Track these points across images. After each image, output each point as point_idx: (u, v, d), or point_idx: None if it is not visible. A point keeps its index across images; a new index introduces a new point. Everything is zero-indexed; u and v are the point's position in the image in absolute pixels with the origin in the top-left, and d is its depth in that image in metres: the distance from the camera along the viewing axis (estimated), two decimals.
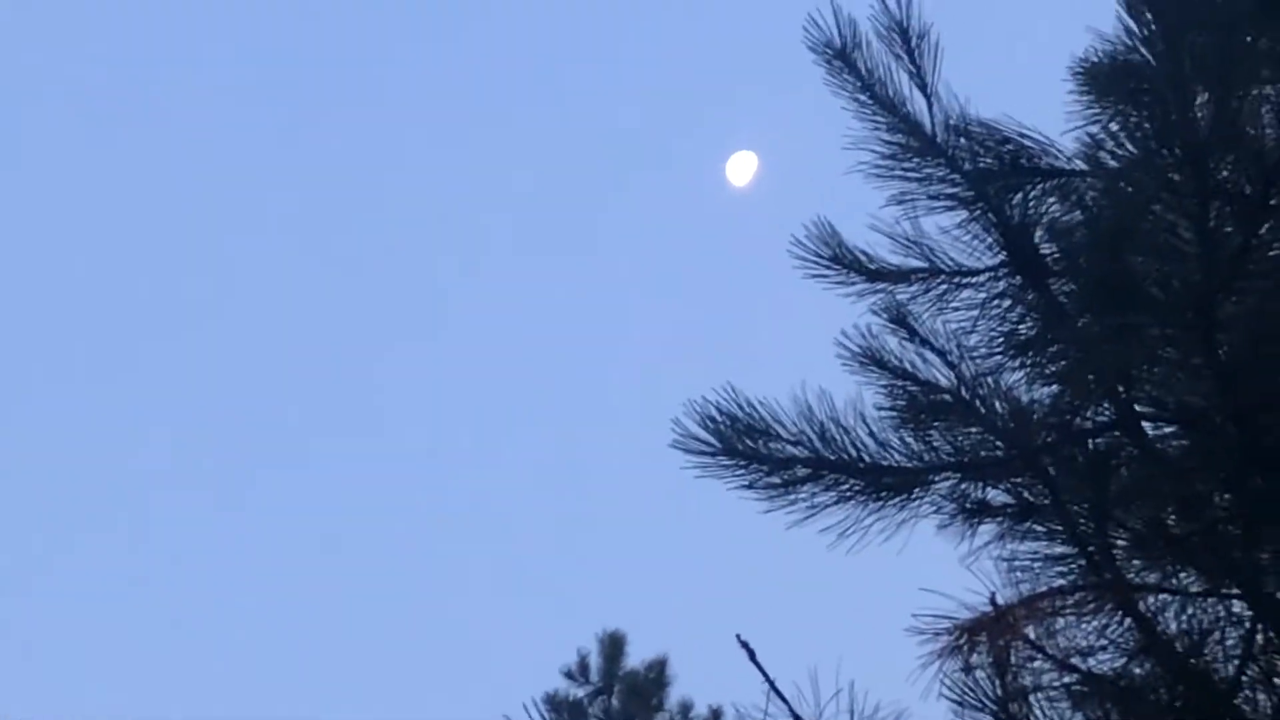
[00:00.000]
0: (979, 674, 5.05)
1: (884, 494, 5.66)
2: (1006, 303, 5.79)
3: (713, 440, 5.71)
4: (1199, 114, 4.95)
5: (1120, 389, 5.47)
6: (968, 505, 5.67)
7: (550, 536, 26.53)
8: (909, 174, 5.92)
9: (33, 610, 23.60)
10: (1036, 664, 5.28)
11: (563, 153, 28.85)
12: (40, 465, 26.78)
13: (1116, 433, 5.56)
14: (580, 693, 19.64)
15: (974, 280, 5.86)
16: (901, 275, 5.95)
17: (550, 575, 26.38)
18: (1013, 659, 5.16)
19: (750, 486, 5.72)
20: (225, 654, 25.47)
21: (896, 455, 5.64)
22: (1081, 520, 5.45)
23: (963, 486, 5.65)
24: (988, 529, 5.68)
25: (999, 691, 4.99)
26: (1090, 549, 5.41)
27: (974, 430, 5.60)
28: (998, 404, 5.58)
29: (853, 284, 6.01)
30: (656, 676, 19.77)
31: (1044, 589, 5.45)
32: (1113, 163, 5.54)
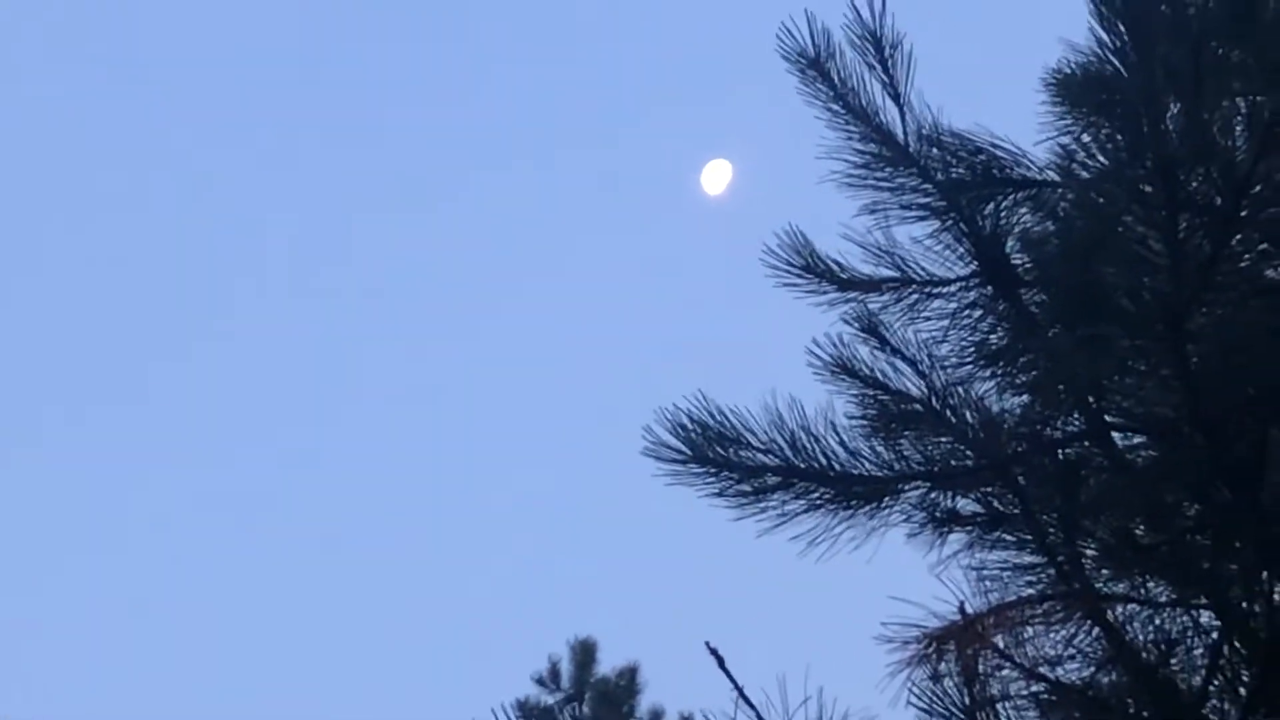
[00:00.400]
0: (947, 682, 5.06)
1: (854, 502, 5.67)
2: (978, 313, 5.80)
3: (683, 448, 5.71)
4: (1170, 125, 4.97)
5: (1090, 399, 5.48)
6: (937, 514, 5.68)
7: (522, 543, 26.51)
8: (881, 183, 5.93)
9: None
10: (1005, 673, 5.30)
11: (537, 161, 28.84)
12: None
13: (1086, 443, 5.57)
14: (551, 699, 19.64)
15: (945, 290, 5.87)
16: (873, 284, 5.96)
17: (522, 582, 26.37)
18: (981, 668, 5.16)
19: (721, 494, 5.72)
20: (195, 653, 25.39)
21: (867, 464, 5.65)
22: (1050, 530, 5.46)
23: (933, 495, 5.66)
24: (957, 538, 5.70)
25: (967, 700, 4.99)
26: (1059, 559, 5.42)
27: (944, 439, 5.61)
28: (968, 414, 5.59)
29: (824, 293, 6.01)
30: (627, 684, 19.77)
31: (1013, 598, 5.46)
32: (1084, 174, 5.56)
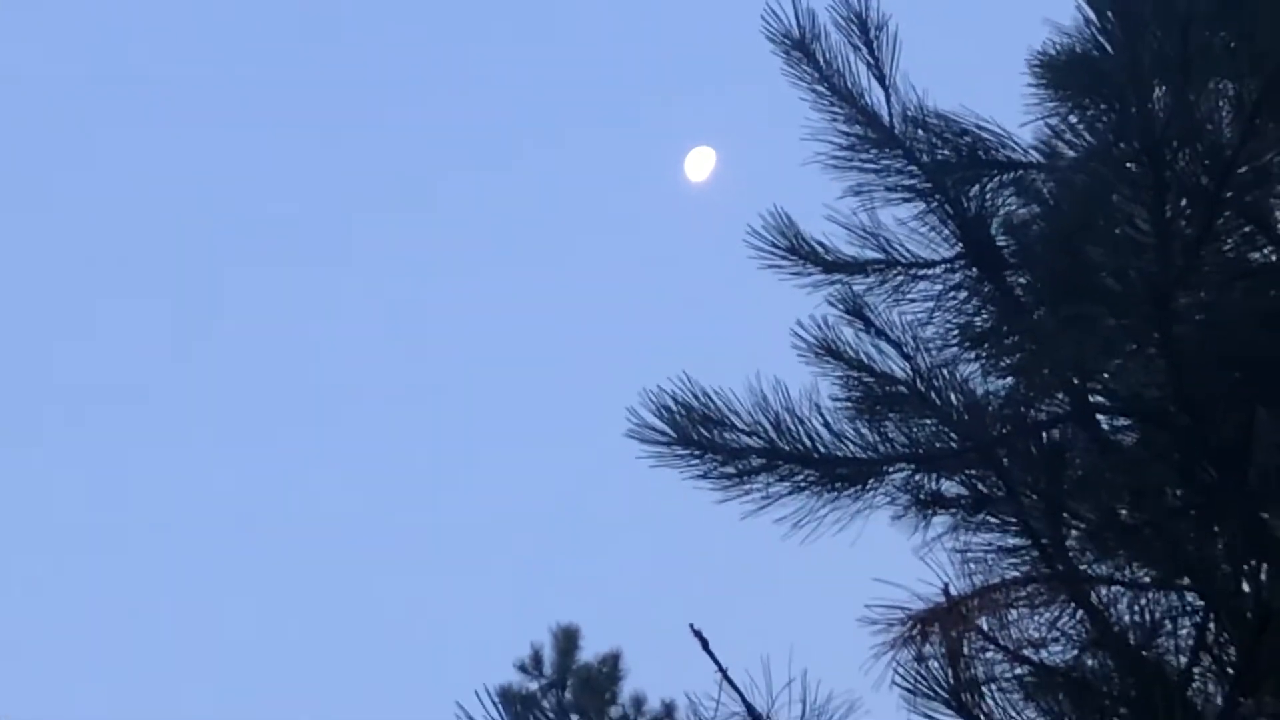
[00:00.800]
0: (932, 664, 5.05)
1: (838, 485, 5.66)
2: (963, 294, 5.80)
3: (668, 430, 5.69)
4: (1157, 107, 4.96)
5: (1075, 381, 5.48)
6: (922, 496, 5.67)
7: (505, 530, 26.49)
8: (866, 165, 5.91)
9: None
10: (989, 655, 5.29)
11: (517, 153, 28.79)
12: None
13: (1071, 425, 5.57)
14: (533, 686, 19.63)
15: (930, 272, 5.86)
16: (858, 266, 5.94)
17: (503, 568, 26.35)
18: (966, 650, 5.15)
19: (705, 476, 5.71)
20: (172, 647, 25.35)
21: (851, 446, 5.64)
22: (1035, 512, 5.46)
23: (917, 478, 5.65)
24: (941, 520, 5.69)
25: (952, 681, 4.99)
26: (1043, 541, 5.41)
27: (929, 422, 5.59)
28: (953, 396, 5.57)
29: (809, 275, 6.00)
30: (610, 670, 19.75)
31: (997, 581, 5.46)
32: (1071, 153, 5.55)
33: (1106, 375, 5.50)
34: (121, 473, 27.70)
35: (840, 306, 5.79)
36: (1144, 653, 5.07)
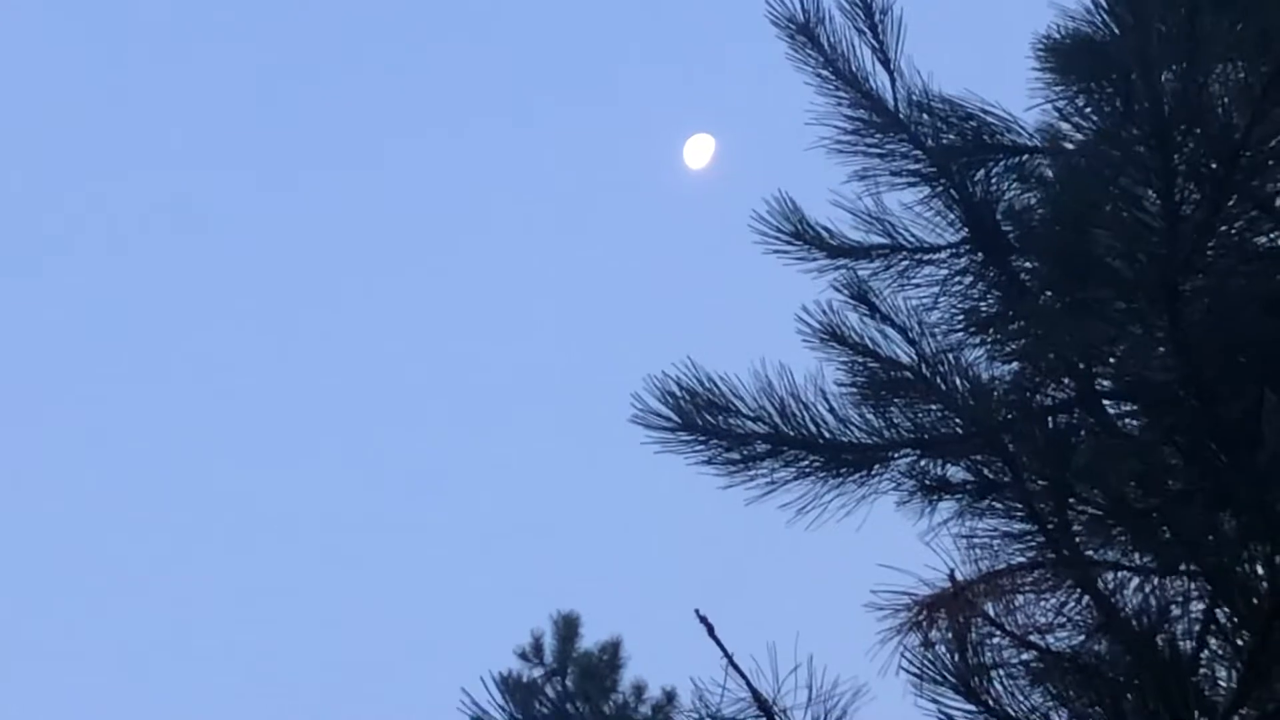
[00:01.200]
0: (939, 649, 5.04)
1: (843, 470, 5.65)
2: (968, 279, 5.79)
3: (672, 415, 5.68)
4: (1164, 91, 4.95)
5: (1081, 365, 5.46)
6: (927, 482, 5.65)
7: (504, 516, 26.50)
8: (871, 150, 5.91)
9: None
10: (996, 641, 5.27)
11: (517, 141, 28.76)
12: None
13: (1077, 410, 5.55)
14: (534, 673, 19.64)
15: (936, 257, 5.86)
16: (863, 251, 5.94)
17: (504, 555, 26.36)
18: (972, 635, 5.14)
19: (709, 462, 5.70)
20: (173, 643, 25.37)
21: (856, 431, 5.63)
22: (1041, 497, 5.44)
23: (922, 463, 5.64)
24: (947, 506, 5.67)
25: (959, 665, 4.97)
26: (1049, 526, 5.40)
27: (934, 407, 5.57)
28: (958, 381, 5.55)
29: (814, 260, 6.00)
30: (610, 658, 19.76)
31: (1003, 566, 5.45)
32: (1078, 137, 5.54)
33: (1113, 359, 5.49)
34: (125, 473, 27.72)
35: (845, 291, 5.77)
36: (1151, 638, 5.05)
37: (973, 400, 5.49)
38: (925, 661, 5.02)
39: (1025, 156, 5.85)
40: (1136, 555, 5.40)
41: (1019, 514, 5.50)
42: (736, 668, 5.18)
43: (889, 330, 5.68)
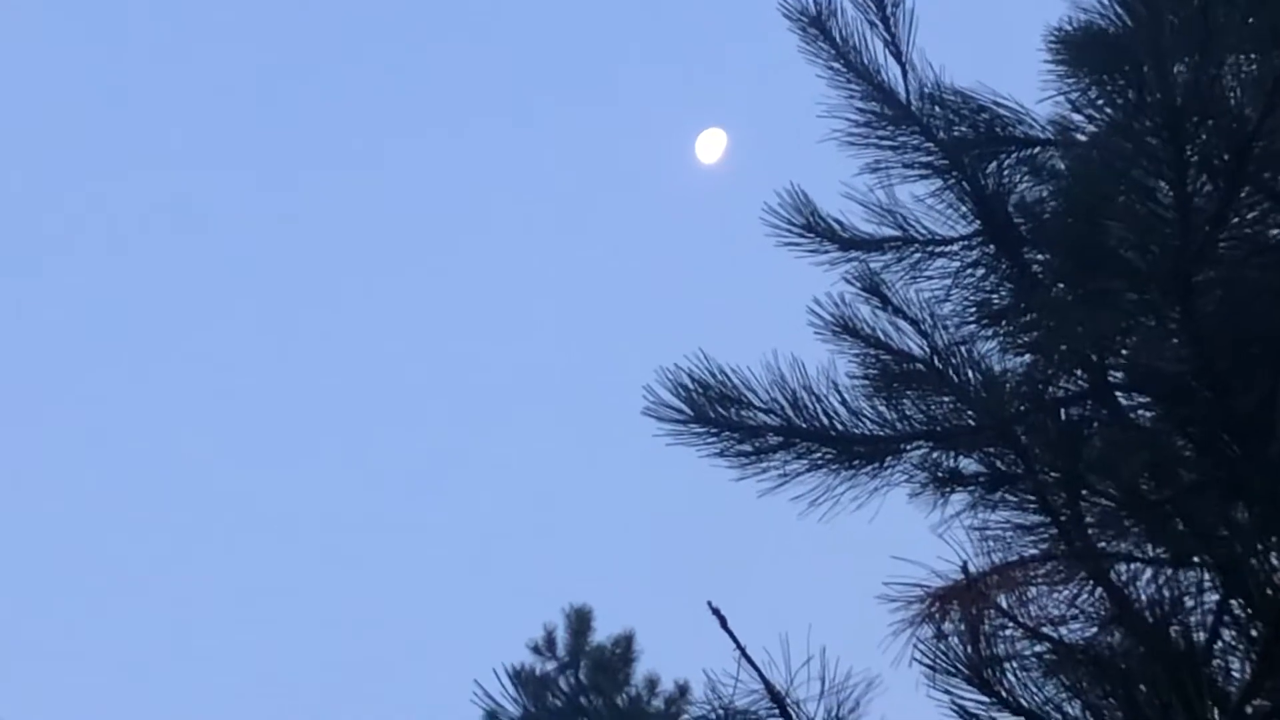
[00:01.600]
0: (952, 640, 5.04)
1: (856, 462, 5.65)
2: (980, 271, 5.79)
3: (684, 408, 5.68)
4: (1177, 82, 4.95)
5: (1094, 357, 5.46)
6: (940, 474, 5.66)
7: (517, 510, 26.51)
8: (883, 142, 5.91)
9: None
10: (1008, 632, 5.27)
11: (529, 137, 28.77)
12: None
13: (1089, 401, 5.55)
14: (547, 667, 19.65)
15: (948, 249, 5.86)
16: (875, 244, 5.94)
17: (516, 549, 26.38)
18: (985, 627, 5.14)
19: (722, 454, 5.70)
20: (189, 638, 25.40)
21: (869, 424, 5.62)
22: (1054, 489, 5.44)
23: (935, 455, 5.64)
24: (960, 498, 5.68)
25: (972, 657, 4.97)
26: (1062, 518, 5.40)
27: (946, 399, 5.58)
28: (971, 373, 5.55)
29: (826, 252, 6.00)
30: (623, 651, 19.78)
31: (1016, 558, 5.44)
32: (1090, 129, 5.54)
33: (1125, 351, 5.49)
34: (127, 472, 27.75)
35: (857, 284, 5.78)
36: (1164, 630, 5.05)
37: (985, 392, 5.49)
38: (938, 653, 5.02)
39: (1038, 149, 5.85)
40: (1149, 547, 5.40)
41: (1032, 506, 5.51)
42: (749, 659, 5.18)
43: (901, 323, 5.69)
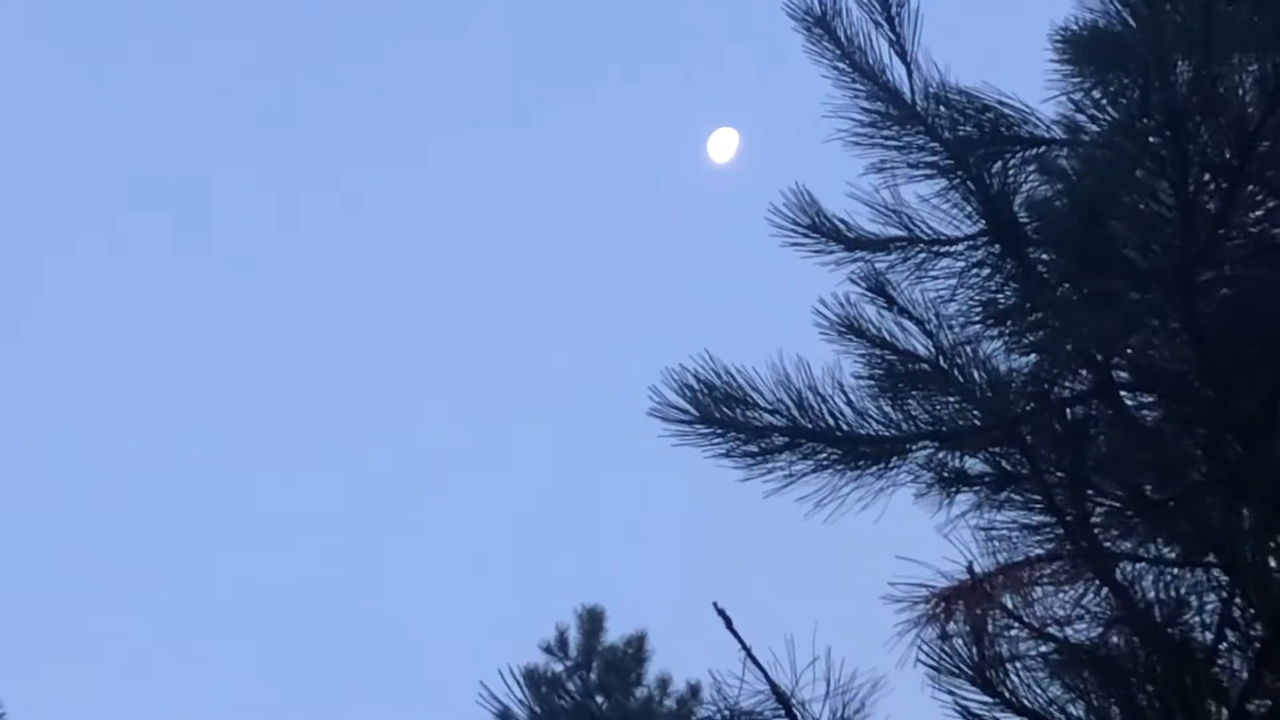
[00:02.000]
0: (956, 641, 5.04)
1: (861, 462, 5.64)
2: (985, 271, 5.78)
3: (690, 408, 5.67)
4: (1180, 81, 4.94)
5: (1098, 357, 5.46)
6: (945, 474, 5.66)
7: (529, 511, 26.52)
8: (888, 142, 5.90)
9: None
10: (1014, 633, 5.27)
11: (545, 137, 28.79)
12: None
13: (1095, 401, 5.55)
14: (559, 668, 19.66)
15: (953, 249, 5.85)
16: (880, 244, 5.93)
17: (528, 550, 26.40)
18: (990, 628, 5.14)
19: (728, 455, 5.69)
20: (208, 641, 25.44)
21: (874, 424, 5.62)
22: (1059, 489, 5.44)
23: (940, 455, 5.64)
24: (965, 498, 5.68)
25: (976, 658, 4.97)
26: (1067, 518, 5.40)
27: (952, 399, 5.57)
28: (976, 373, 5.55)
29: (831, 252, 5.99)
30: (635, 652, 19.78)
31: (1021, 558, 5.44)
32: (1094, 128, 5.53)
33: (1130, 351, 5.48)
34: (136, 474, 27.78)
35: (862, 284, 5.78)
36: (1169, 630, 5.05)
37: (990, 392, 5.49)
38: (943, 654, 5.02)
39: (1043, 148, 5.84)
40: (1154, 546, 5.39)
41: (1037, 506, 5.51)
42: (755, 660, 5.18)
43: (906, 322, 5.69)
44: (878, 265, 5.86)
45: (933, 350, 5.61)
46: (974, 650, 4.97)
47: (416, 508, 28.26)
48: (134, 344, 29.58)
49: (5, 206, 28.78)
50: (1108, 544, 5.44)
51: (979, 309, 5.74)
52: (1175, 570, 5.26)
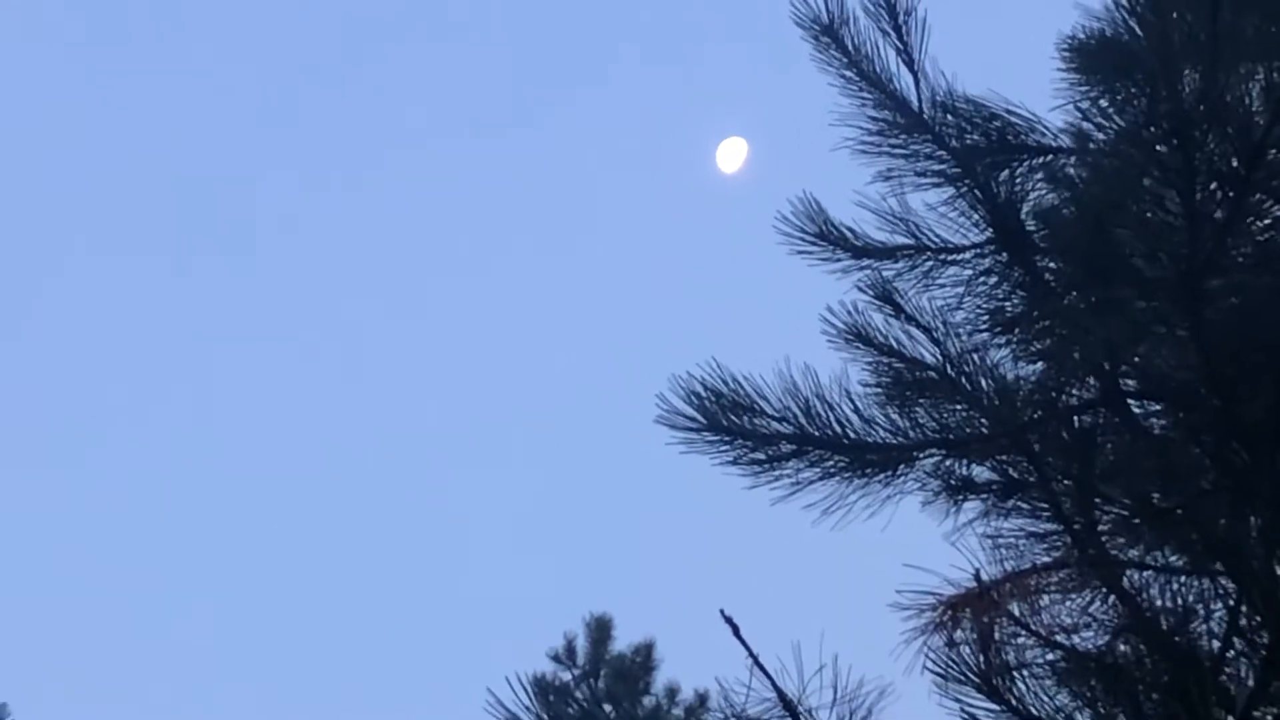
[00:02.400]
0: (963, 649, 5.04)
1: (868, 470, 5.65)
2: (992, 279, 5.78)
3: (697, 416, 5.68)
4: (1186, 90, 4.95)
5: (1105, 365, 5.46)
6: (952, 482, 5.66)
7: (537, 519, 26.53)
8: (895, 150, 5.91)
9: None
10: (1021, 640, 5.27)
11: (553, 145, 28.82)
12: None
13: (1102, 409, 5.55)
14: (567, 676, 19.66)
15: (960, 257, 5.85)
16: (887, 252, 5.94)
17: (537, 558, 26.38)
18: (997, 635, 5.14)
19: (735, 462, 5.70)
20: (212, 650, 25.44)
21: (881, 432, 5.62)
22: (1066, 497, 5.44)
23: (947, 463, 5.64)
24: (972, 506, 5.68)
25: (983, 665, 4.97)
26: (1075, 526, 5.40)
27: (959, 407, 5.58)
28: (983, 381, 5.55)
29: (838, 260, 6.00)
30: (643, 660, 19.77)
31: (1028, 566, 5.44)
32: (1101, 137, 5.54)
33: (1137, 359, 5.48)
34: (140, 476, 27.78)
35: (870, 292, 5.78)
36: (1176, 638, 5.05)
37: (998, 400, 5.49)
38: (950, 661, 5.02)
39: (1050, 157, 5.84)
40: (1161, 554, 5.39)
41: (1044, 513, 5.51)
42: (761, 667, 5.19)
43: (914, 330, 5.69)
44: (885, 273, 5.87)
45: (940, 358, 5.61)
46: (981, 658, 4.98)
47: (424, 515, 28.27)
48: (134, 344, 29.61)
49: (5, 206, 28.80)
50: (1115, 552, 5.44)
51: (986, 317, 5.75)
52: (1182, 578, 5.27)
